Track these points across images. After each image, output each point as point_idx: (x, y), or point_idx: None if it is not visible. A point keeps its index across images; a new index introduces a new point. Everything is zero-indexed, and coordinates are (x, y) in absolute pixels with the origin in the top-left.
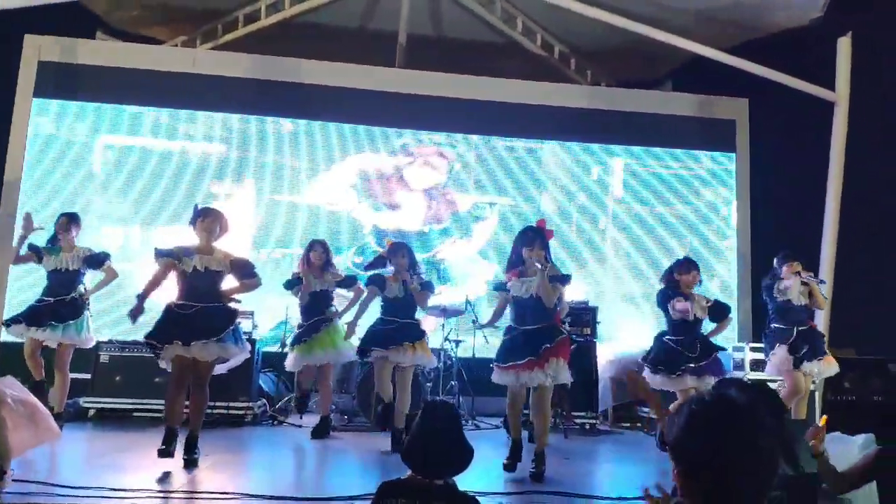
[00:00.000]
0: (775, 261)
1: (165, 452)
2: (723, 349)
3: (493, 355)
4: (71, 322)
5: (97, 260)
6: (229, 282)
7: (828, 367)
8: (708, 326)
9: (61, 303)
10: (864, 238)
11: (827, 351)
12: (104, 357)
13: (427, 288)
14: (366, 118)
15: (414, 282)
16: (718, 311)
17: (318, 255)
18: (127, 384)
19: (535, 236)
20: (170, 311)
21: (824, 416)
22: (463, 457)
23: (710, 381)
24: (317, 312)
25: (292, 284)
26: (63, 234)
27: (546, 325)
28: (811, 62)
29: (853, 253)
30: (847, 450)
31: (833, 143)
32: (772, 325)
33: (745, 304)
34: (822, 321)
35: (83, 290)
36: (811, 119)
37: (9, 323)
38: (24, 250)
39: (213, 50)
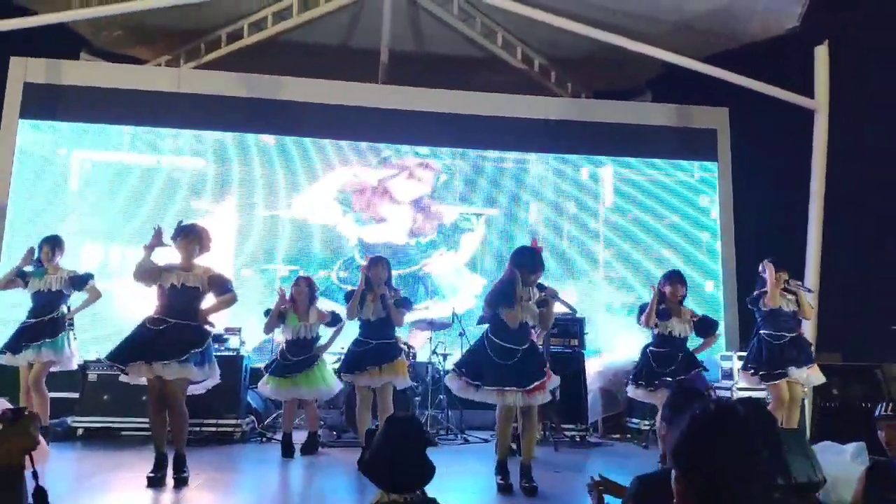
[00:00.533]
0: (760, 267)
1: (154, 480)
2: (705, 369)
3: None
4: (47, 340)
5: (81, 281)
6: (209, 300)
7: (815, 375)
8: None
9: (41, 322)
10: (849, 243)
11: (814, 359)
12: (92, 376)
13: (403, 305)
14: (349, 134)
15: (391, 298)
16: (705, 327)
17: (300, 291)
18: (115, 403)
19: (538, 260)
20: (142, 327)
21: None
22: (427, 470)
23: None
24: (304, 352)
25: (269, 314)
26: (48, 263)
27: (530, 342)
28: (790, 70)
29: (838, 258)
30: (839, 459)
31: (815, 150)
32: (760, 332)
33: (732, 312)
34: (808, 327)
35: (66, 311)
36: (792, 127)
37: (3, 351)
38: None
39: (197, 69)
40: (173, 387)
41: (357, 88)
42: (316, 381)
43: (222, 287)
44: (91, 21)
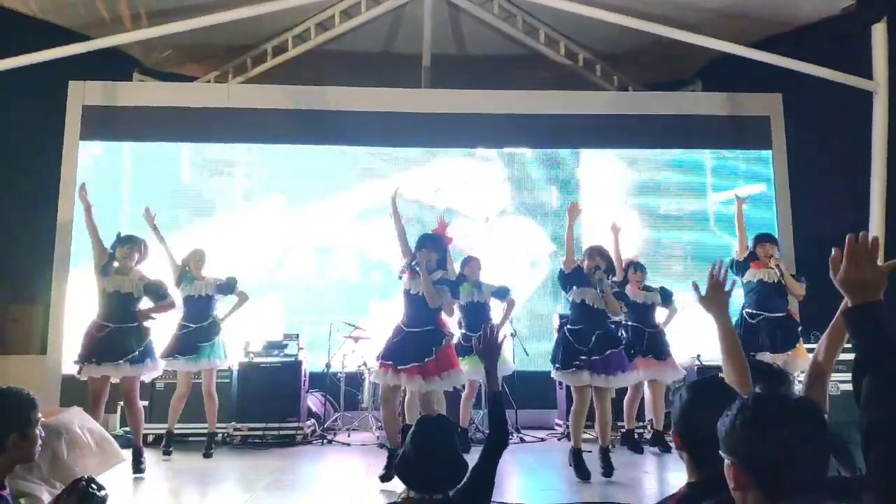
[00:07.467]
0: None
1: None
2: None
3: (536, 368)
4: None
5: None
6: (146, 303)
7: (798, 359)
8: None
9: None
10: None
11: (799, 343)
12: (160, 385)
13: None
14: (396, 140)
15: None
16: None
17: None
18: (182, 410)
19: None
20: (88, 333)
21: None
22: (458, 471)
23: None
24: None
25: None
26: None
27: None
28: (846, 52)
29: None
30: None
31: (874, 133)
32: (743, 311)
33: (793, 300)
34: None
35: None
36: (850, 110)
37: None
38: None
39: (245, 83)
40: (128, 385)
41: (401, 94)
42: None
43: (158, 293)
44: (142, 42)
